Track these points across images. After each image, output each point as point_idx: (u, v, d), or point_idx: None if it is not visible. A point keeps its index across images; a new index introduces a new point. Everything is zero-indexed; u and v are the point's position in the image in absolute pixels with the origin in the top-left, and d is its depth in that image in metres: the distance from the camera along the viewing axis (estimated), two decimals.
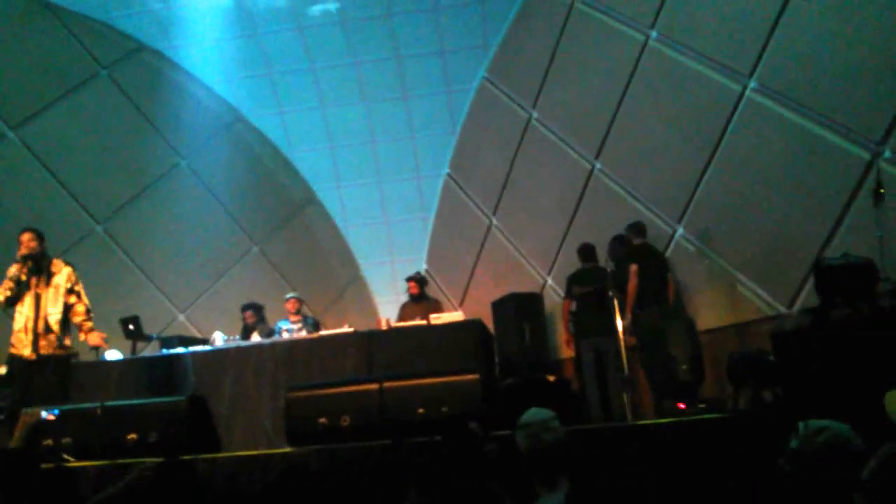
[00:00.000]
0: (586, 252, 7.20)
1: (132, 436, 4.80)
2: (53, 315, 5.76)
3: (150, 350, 8.16)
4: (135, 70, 10.03)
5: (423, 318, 6.97)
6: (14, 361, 5.68)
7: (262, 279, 10.30)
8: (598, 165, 8.12)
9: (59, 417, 4.73)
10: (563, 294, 7.55)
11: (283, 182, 11.05)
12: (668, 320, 6.26)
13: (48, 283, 5.82)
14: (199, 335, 8.69)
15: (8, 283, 5.70)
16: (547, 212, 8.90)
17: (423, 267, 10.87)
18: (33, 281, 5.77)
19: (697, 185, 6.87)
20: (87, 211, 9.22)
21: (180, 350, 7.25)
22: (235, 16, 9.93)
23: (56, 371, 5.72)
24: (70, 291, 5.88)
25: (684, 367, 5.77)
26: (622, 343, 6.00)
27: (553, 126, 8.85)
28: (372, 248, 11.25)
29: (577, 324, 6.93)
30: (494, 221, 9.87)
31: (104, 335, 6.04)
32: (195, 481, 3.18)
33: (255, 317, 8.12)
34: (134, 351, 7.82)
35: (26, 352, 5.63)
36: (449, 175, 10.86)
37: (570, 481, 3.11)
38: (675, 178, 7.14)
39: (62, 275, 5.90)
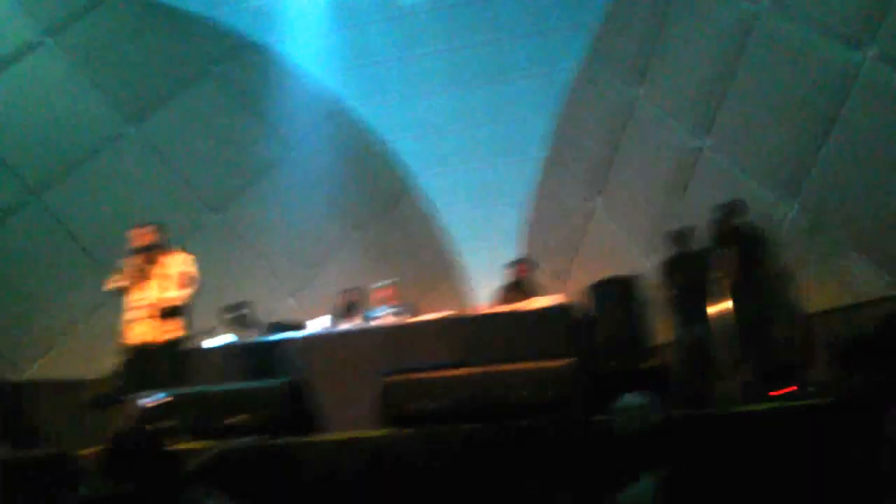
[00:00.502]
0: (680, 238, 6.91)
1: (236, 419, 4.97)
2: (165, 302, 5.97)
3: (257, 335, 8.42)
4: (241, 65, 10.37)
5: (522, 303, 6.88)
6: (130, 345, 5.92)
7: (363, 266, 10.46)
8: (707, 143, 7.78)
9: (164, 402, 4.91)
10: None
11: (382, 169, 11.18)
12: (768, 303, 5.92)
13: (161, 272, 6.04)
14: (302, 320, 8.89)
15: (127, 272, 5.97)
16: (653, 192, 8.62)
17: (518, 252, 10.75)
18: (147, 270, 6.01)
19: (813, 160, 6.47)
20: (202, 200, 9.62)
21: (282, 335, 7.45)
22: (335, 7, 10.11)
23: (170, 356, 5.97)
24: (180, 280, 6.08)
25: (791, 349, 5.46)
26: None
27: (660, 103, 8.54)
28: (470, 234, 11.24)
29: (678, 310, 6.64)
30: (598, 204, 9.65)
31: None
32: (289, 464, 3.23)
33: (356, 299, 8.21)
34: (242, 336, 8.07)
35: (142, 337, 5.87)
36: (549, 157, 10.68)
37: (666, 468, 3.01)
38: (790, 154, 6.77)
39: (176, 263, 6.11)
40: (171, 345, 6.01)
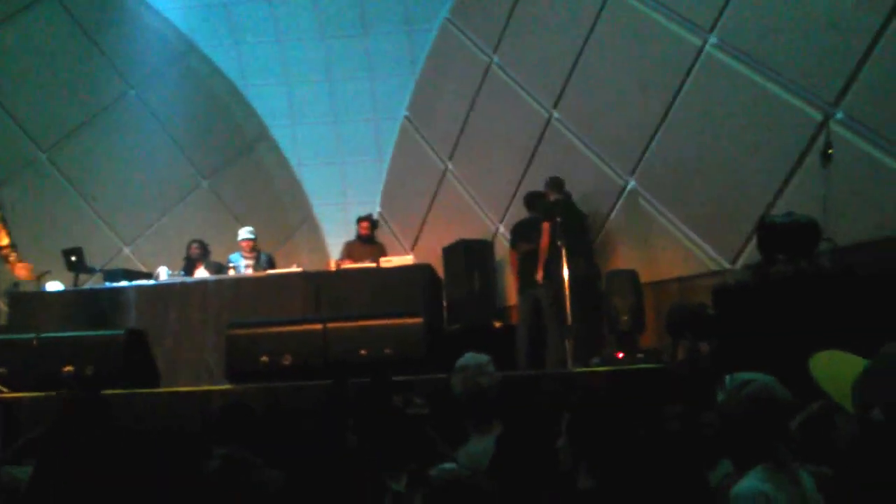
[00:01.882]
0: (529, 201, 7.18)
1: (68, 368, 4.72)
2: None
3: (92, 283, 7.97)
4: None
5: (370, 261, 6.92)
6: None
7: (211, 215, 10.09)
8: (555, 114, 8.07)
9: None
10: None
11: (235, 117, 10.76)
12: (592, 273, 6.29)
13: None
14: (144, 269, 8.50)
15: None
16: (502, 159, 8.85)
17: (376, 210, 10.77)
18: None
19: (652, 138, 6.87)
20: (31, 138, 8.88)
21: (124, 283, 7.12)
22: None
23: None
24: None
25: (625, 317, 5.84)
26: (566, 292, 5.98)
27: (513, 72, 8.74)
28: (325, 188, 11.08)
29: (520, 275, 6.89)
30: (450, 166, 9.79)
31: (31, 266, 5.86)
32: (107, 417, 3.09)
33: (199, 250, 7.96)
34: (76, 283, 7.63)
35: None
36: (407, 118, 10.70)
37: (503, 426, 3.14)
38: (631, 131, 7.14)
39: None
40: None
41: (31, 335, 4.96)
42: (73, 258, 7.49)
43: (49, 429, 3.00)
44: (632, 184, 7.15)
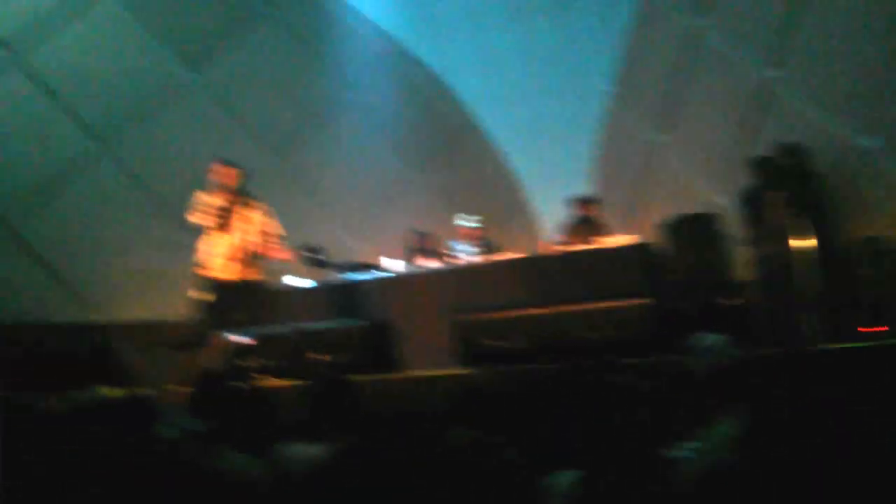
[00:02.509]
0: (761, 165, 6.67)
1: (317, 356, 5.15)
2: (251, 245, 6.14)
3: (328, 276, 8.59)
4: (300, 7, 10.36)
5: (588, 242, 6.86)
6: (212, 284, 6.03)
7: (429, 206, 10.52)
8: (774, 74, 7.51)
9: (251, 341, 5.10)
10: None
11: (442, 108, 11.11)
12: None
13: (243, 218, 6.18)
14: (370, 261, 9.03)
15: (213, 211, 6.05)
16: (720, 126, 8.39)
17: (587, 189, 10.64)
18: (236, 209, 6.13)
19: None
20: (265, 146, 9.75)
21: (357, 276, 7.61)
22: None
23: (253, 296, 6.12)
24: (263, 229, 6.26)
25: (871, 288, 5.31)
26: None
27: (726, 34, 8.25)
28: (535, 171, 11.12)
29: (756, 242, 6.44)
30: (663, 138, 9.45)
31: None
32: (355, 400, 3.33)
33: (419, 240, 8.33)
34: (314, 277, 8.26)
35: (225, 276, 5.98)
36: (612, 92, 10.46)
37: (748, 408, 3.00)
38: (867, 85, 6.48)
39: (258, 210, 6.29)
40: (251, 284, 6.15)
41: (289, 329, 5.46)
42: (311, 254, 8.10)
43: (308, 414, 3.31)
44: (875, 141, 6.50)
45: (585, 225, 7.99)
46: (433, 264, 7.61)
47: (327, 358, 5.15)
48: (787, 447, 2.45)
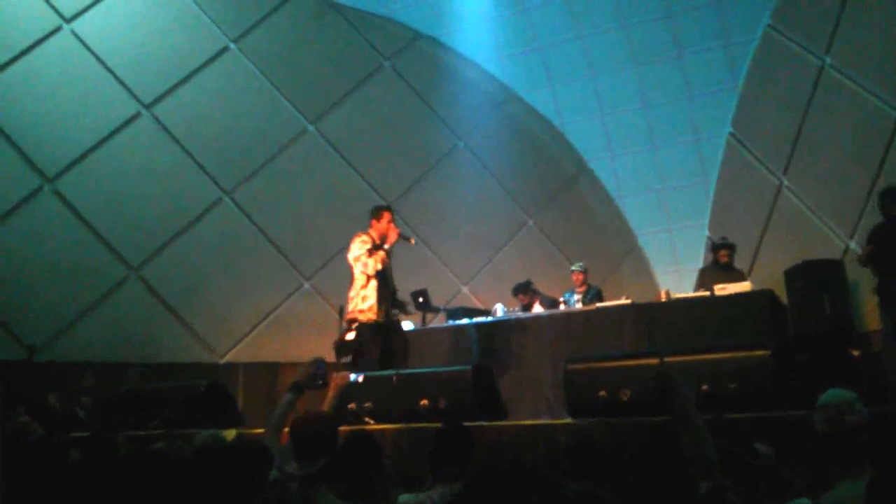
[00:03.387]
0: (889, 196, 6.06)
1: (424, 402, 5.16)
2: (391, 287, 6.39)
3: (437, 321, 8.67)
4: (413, 58, 10.71)
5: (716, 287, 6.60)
6: (369, 329, 6.16)
7: (538, 252, 10.49)
8: None
9: (362, 383, 5.15)
10: None
11: (555, 154, 11.11)
12: None
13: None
14: (480, 306, 9.07)
15: (382, 255, 6.25)
16: (846, 167, 7.96)
17: (705, 234, 10.31)
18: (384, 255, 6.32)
19: None
20: (378, 193, 10.01)
21: (465, 321, 7.64)
22: None
23: (402, 337, 6.43)
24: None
25: None
26: None
27: (851, 71, 7.87)
28: (648, 216, 10.90)
29: (881, 290, 6.04)
30: (785, 181, 9.05)
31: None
32: (468, 445, 3.30)
33: (528, 296, 8.27)
34: (424, 322, 8.36)
35: (381, 319, 6.18)
36: (732, 134, 10.15)
37: (874, 468, 2.79)
38: None
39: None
40: (400, 326, 6.47)
41: (392, 372, 5.51)
42: (421, 299, 8.22)
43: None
44: None
45: (726, 272, 7.70)
46: (545, 311, 7.55)
47: (441, 404, 5.13)
48: None
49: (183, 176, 8.96)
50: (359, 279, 6.26)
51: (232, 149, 9.30)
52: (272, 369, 9.00)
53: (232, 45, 9.50)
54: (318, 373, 4.99)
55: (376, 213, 6.48)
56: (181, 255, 8.78)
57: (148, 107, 8.90)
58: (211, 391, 5.96)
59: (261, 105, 9.58)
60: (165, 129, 8.94)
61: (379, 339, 6.09)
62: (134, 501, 2.65)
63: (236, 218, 9.19)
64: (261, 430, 5.48)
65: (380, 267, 6.18)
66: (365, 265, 6.19)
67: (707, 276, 7.76)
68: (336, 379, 4.70)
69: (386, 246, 6.29)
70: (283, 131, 9.67)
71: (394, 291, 6.46)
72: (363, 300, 6.18)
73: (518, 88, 11.14)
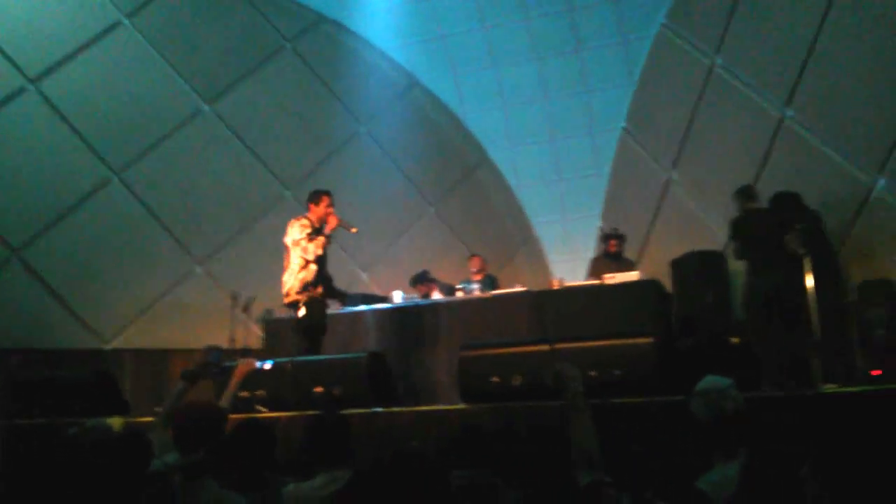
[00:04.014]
0: (745, 195, 6.57)
1: (318, 389, 5.12)
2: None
3: (333, 308, 8.58)
4: (316, 41, 10.49)
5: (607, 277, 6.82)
6: (319, 303, 6.23)
7: (438, 240, 10.54)
8: (788, 113, 7.51)
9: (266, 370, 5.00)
10: None
11: (456, 144, 11.18)
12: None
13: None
14: (379, 293, 9.04)
15: (322, 240, 6.21)
16: (732, 165, 8.37)
17: (596, 224, 10.63)
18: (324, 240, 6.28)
19: None
20: (277, 178, 9.80)
21: (363, 308, 7.61)
22: None
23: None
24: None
25: (880, 331, 5.24)
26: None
27: (739, 72, 8.27)
28: (545, 207, 11.14)
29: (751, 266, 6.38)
30: (674, 176, 9.44)
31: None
32: (346, 436, 3.28)
33: (425, 286, 8.31)
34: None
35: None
36: (626, 129, 10.49)
37: (749, 451, 2.95)
38: (878, 124, 6.46)
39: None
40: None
41: (286, 359, 5.43)
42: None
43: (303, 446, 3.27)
44: (882, 182, 6.46)
45: (616, 261, 7.96)
46: (443, 297, 7.60)
47: (336, 392, 5.09)
48: (786, 493, 2.39)
49: (70, 154, 8.49)
50: (295, 264, 6.20)
51: (123, 127, 8.86)
52: (161, 356, 8.71)
53: (125, 21, 9.05)
54: (211, 361, 4.85)
55: (315, 197, 6.40)
56: (66, 236, 8.33)
57: (33, 81, 8.39)
58: (96, 378, 5.71)
59: (155, 83, 9.16)
60: (51, 104, 8.45)
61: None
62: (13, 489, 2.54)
63: (126, 199, 8.79)
64: (149, 419, 5.30)
65: (320, 252, 6.16)
66: (305, 250, 6.14)
67: (598, 266, 8.01)
68: (241, 365, 4.54)
69: (326, 231, 6.20)
70: (178, 111, 9.28)
71: (329, 279, 6.43)
72: (301, 283, 6.14)
73: (421, 76, 11.12)
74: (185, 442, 2.96)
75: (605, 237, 8.27)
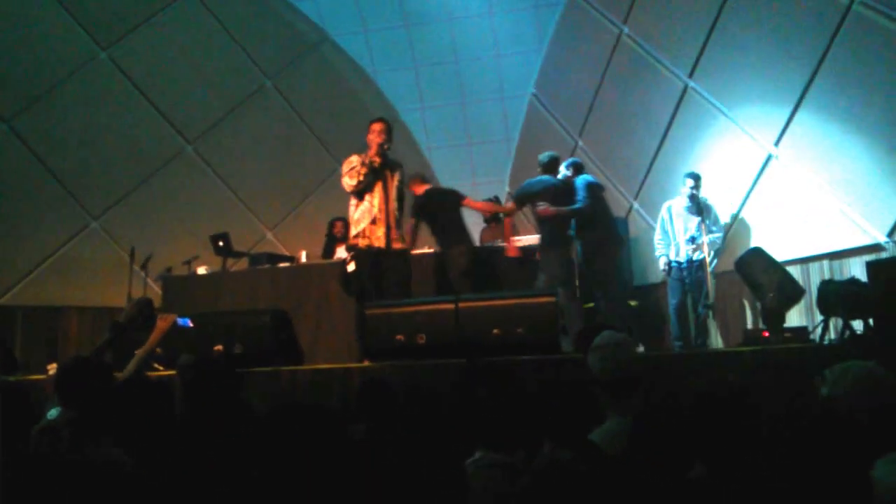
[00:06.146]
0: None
1: (219, 347, 5.00)
2: (396, 210, 5.79)
3: (238, 266, 8.41)
4: None
5: (500, 241, 6.92)
6: (362, 253, 5.68)
7: (346, 200, 10.39)
8: (691, 84, 7.74)
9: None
10: (649, 219, 7.28)
11: (366, 103, 11.02)
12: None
13: (392, 178, 5.80)
14: (286, 253, 8.90)
15: (362, 170, 5.62)
16: (636, 133, 8.60)
17: (505, 189, 10.75)
18: (387, 173, 5.75)
19: (798, 103, 6.45)
20: (177, 131, 9.44)
21: (267, 266, 7.48)
22: None
23: (404, 264, 5.81)
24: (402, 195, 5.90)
25: (771, 294, 5.53)
26: (707, 270, 5.79)
27: (645, 42, 8.45)
28: (454, 170, 11.17)
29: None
30: (580, 143, 9.62)
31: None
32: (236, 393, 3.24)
33: (343, 229, 8.20)
34: (224, 266, 8.08)
35: (378, 243, 5.63)
36: (534, 95, 10.59)
37: (642, 406, 3.06)
38: (775, 96, 6.72)
39: (399, 173, 5.90)
40: (405, 252, 5.89)
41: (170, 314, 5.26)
42: (221, 243, 7.92)
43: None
44: (776, 153, 6.76)
45: (495, 224, 8.12)
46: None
47: (237, 349, 4.99)
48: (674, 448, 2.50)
49: None
50: (352, 203, 5.80)
51: (12, 73, 8.31)
52: (55, 313, 8.35)
53: None
54: (141, 313, 4.66)
55: (368, 126, 5.88)
56: None
57: None
58: None
59: (49, 26, 8.61)
60: None
61: (377, 266, 5.62)
62: None
63: (16, 148, 8.27)
64: (41, 377, 5.08)
65: (355, 183, 5.64)
66: (342, 184, 5.76)
67: (484, 232, 8.15)
68: (160, 321, 4.34)
69: (365, 161, 5.66)
70: (73, 57, 8.75)
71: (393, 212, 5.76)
72: (356, 224, 5.71)
73: (332, 33, 10.89)
74: (67, 396, 2.86)
75: (488, 200, 8.37)
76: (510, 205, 6.70)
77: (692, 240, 6.59)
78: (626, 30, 8.76)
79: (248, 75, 10.12)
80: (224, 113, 9.81)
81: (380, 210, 5.66)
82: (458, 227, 6.51)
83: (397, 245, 5.73)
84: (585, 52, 9.55)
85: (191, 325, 5.09)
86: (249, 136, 9.94)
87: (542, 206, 6.24)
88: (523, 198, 6.62)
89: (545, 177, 6.54)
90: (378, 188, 5.69)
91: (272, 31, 10.40)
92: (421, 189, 6.73)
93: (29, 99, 8.38)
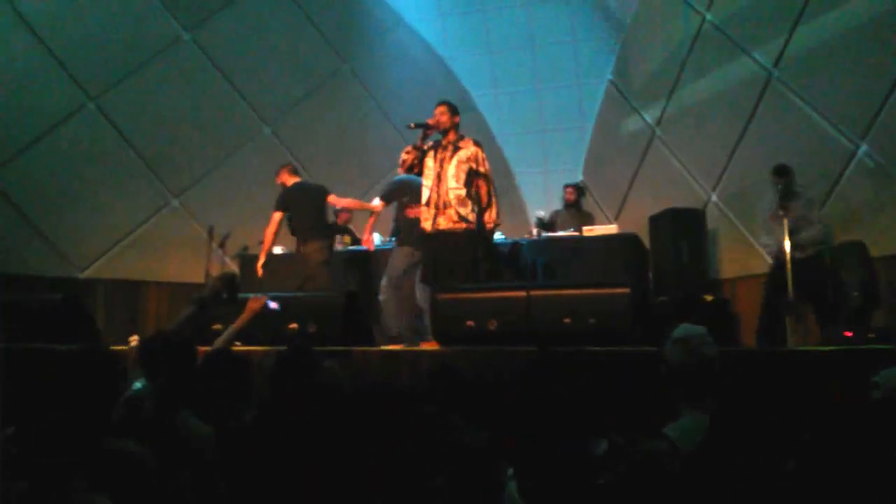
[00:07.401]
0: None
1: (293, 325, 5.10)
2: (454, 191, 5.56)
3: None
4: None
5: (574, 229, 6.84)
6: (419, 239, 5.68)
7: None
8: (776, 74, 7.47)
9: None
10: (728, 212, 7.06)
11: (441, 87, 10.98)
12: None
13: (451, 158, 5.65)
14: (357, 235, 8.97)
15: (408, 147, 5.68)
16: (716, 123, 8.35)
17: (579, 178, 10.61)
18: (438, 154, 5.68)
19: (887, 97, 6.17)
20: (256, 112, 9.62)
21: (339, 248, 7.57)
22: None
23: (480, 246, 5.59)
24: (475, 172, 5.66)
25: (855, 293, 5.30)
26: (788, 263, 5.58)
27: (729, 29, 8.19)
28: (526, 157, 11.09)
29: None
30: (658, 132, 9.40)
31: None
32: (313, 372, 3.26)
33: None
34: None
35: (427, 225, 5.56)
36: (611, 82, 10.39)
37: (718, 403, 2.98)
38: (863, 90, 6.44)
39: (468, 151, 5.71)
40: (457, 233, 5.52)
41: (262, 294, 5.37)
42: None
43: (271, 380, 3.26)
44: (863, 148, 6.48)
45: (574, 211, 8.01)
46: None
47: (310, 328, 5.07)
48: (748, 445, 2.43)
49: (44, 79, 8.23)
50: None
51: (99, 53, 8.58)
52: (135, 287, 8.64)
53: None
54: (224, 288, 4.74)
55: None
56: (39, 162, 8.11)
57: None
58: (64, 304, 5.62)
59: (133, 9, 8.88)
60: (29, 26, 8.15)
61: (430, 250, 5.54)
62: None
63: (101, 126, 8.57)
64: (122, 348, 5.25)
65: (399, 162, 5.71)
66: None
67: (556, 215, 8.04)
68: (251, 302, 4.43)
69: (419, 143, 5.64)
70: (157, 38, 9.00)
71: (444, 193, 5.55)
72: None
73: (408, 17, 10.91)
74: (152, 367, 2.94)
75: (564, 186, 8.24)
76: (377, 203, 6.53)
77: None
78: (709, 16, 8.50)
79: (325, 59, 10.24)
80: (301, 96, 9.95)
81: (432, 191, 5.59)
82: (317, 224, 6.55)
83: (444, 227, 5.51)
84: (666, 38, 9.31)
85: (276, 306, 5.13)
86: (326, 119, 10.06)
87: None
88: (390, 195, 6.48)
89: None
90: (431, 170, 5.62)
91: (349, 15, 10.48)
92: (290, 181, 6.81)
93: (115, 78, 8.66)
